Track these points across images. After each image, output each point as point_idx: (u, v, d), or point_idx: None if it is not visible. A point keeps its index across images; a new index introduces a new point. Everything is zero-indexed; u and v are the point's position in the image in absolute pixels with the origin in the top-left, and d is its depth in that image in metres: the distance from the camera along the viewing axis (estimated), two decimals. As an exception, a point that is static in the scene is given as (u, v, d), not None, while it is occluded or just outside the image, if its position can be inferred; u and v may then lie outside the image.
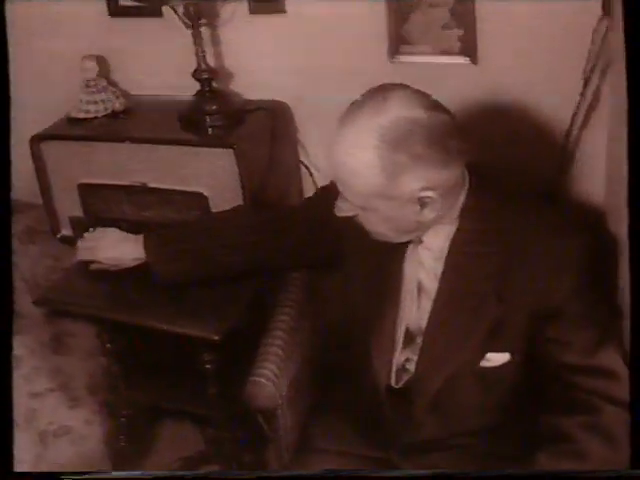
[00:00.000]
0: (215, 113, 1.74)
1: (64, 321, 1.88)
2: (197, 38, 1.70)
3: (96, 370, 1.90)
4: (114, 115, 1.85)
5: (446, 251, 1.30)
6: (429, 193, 1.20)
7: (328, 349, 1.68)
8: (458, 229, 1.29)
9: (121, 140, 1.75)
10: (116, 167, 1.77)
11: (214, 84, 1.77)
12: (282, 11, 1.73)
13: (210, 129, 1.74)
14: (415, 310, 1.37)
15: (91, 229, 1.70)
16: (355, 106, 1.21)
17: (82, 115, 1.83)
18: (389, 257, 1.36)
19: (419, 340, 1.37)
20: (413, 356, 1.38)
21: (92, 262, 1.65)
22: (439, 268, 1.31)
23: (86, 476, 1.30)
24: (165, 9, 1.78)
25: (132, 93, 1.94)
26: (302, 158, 1.89)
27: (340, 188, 1.25)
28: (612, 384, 1.25)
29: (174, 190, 1.74)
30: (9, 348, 1.26)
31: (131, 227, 1.67)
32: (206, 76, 1.74)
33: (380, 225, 1.27)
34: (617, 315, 1.34)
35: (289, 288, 1.76)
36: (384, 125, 1.16)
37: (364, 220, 1.28)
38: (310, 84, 1.78)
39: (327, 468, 1.46)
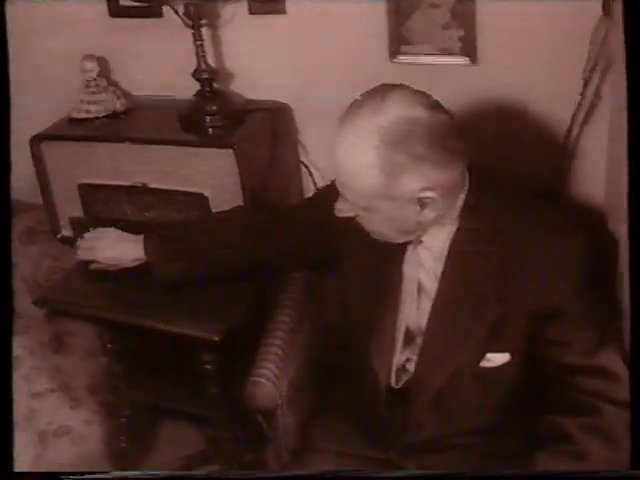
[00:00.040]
0: (215, 113, 1.74)
1: (64, 321, 1.88)
2: (197, 38, 1.70)
3: (96, 370, 1.90)
4: (114, 115, 1.85)
5: (446, 251, 1.30)
6: (429, 193, 1.20)
7: (328, 349, 1.68)
8: (458, 229, 1.29)
9: (121, 140, 1.75)
10: (116, 167, 1.77)
11: (214, 84, 1.77)
12: (282, 12, 1.73)
13: (210, 129, 1.74)
14: (415, 310, 1.37)
15: (91, 229, 1.70)
16: (354, 106, 1.20)
17: (83, 115, 1.83)
18: (389, 257, 1.36)
19: (419, 340, 1.37)
20: (413, 356, 1.38)
21: (92, 262, 1.66)
22: (439, 268, 1.31)
23: (86, 476, 1.30)
24: (166, 9, 1.78)
25: (133, 93, 1.94)
26: (302, 158, 1.89)
27: (340, 189, 1.25)
28: (612, 385, 1.25)
29: (174, 190, 1.74)
30: (9, 348, 1.26)
31: (131, 227, 1.67)
32: (206, 76, 1.74)
33: (380, 225, 1.27)
34: (617, 315, 1.34)
35: (289, 288, 1.76)
36: (383, 125, 1.16)
37: (364, 220, 1.27)
38: (311, 84, 1.78)
39: (327, 468, 1.46)
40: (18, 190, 1.74)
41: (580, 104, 1.55)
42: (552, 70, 1.55)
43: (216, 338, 1.53)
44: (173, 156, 1.71)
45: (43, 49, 1.92)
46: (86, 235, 1.68)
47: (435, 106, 1.20)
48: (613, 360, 1.26)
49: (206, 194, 1.72)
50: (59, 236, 1.90)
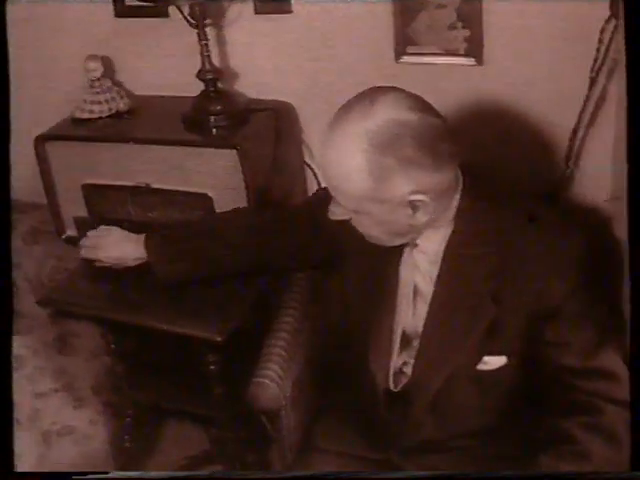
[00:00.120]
0: (219, 113, 1.73)
1: (69, 321, 1.89)
2: (202, 38, 1.69)
3: (100, 370, 1.90)
4: (118, 115, 1.85)
5: (441, 254, 1.29)
6: (420, 196, 1.19)
7: (329, 349, 1.68)
8: (453, 231, 1.28)
9: (125, 141, 1.74)
10: (120, 168, 1.76)
11: (219, 84, 1.76)
12: (288, 11, 1.73)
13: (214, 129, 1.73)
14: (411, 314, 1.36)
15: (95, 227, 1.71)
16: (343, 110, 1.20)
17: (86, 115, 1.83)
18: (385, 260, 1.35)
19: (416, 343, 1.37)
20: (410, 359, 1.38)
21: (96, 260, 1.66)
22: (434, 271, 1.31)
23: (90, 476, 1.30)
24: (171, 9, 1.78)
25: (136, 93, 1.94)
26: (306, 158, 1.89)
27: (332, 192, 1.25)
28: (613, 385, 1.24)
29: (178, 191, 1.74)
30: (9, 348, 1.26)
31: (135, 228, 1.66)
32: (211, 76, 1.73)
33: (373, 228, 1.26)
34: (616, 315, 1.34)
35: (293, 289, 1.76)
36: (372, 129, 1.15)
37: (357, 224, 1.27)
38: (315, 84, 1.78)
39: (328, 469, 1.46)
40: (22, 190, 1.74)
41: (586, 105, 1.55)
42: (558, 71, 1.55)
43: (219, 338, 1.52)
44: (177, 156, 1.71)
45: (50, 49, 1.92)
46: (89, 233, 1.68)
47: (425, 109, 1.19)
48: (613, 360, 1.26)
49: (210, 194, 1.72)
50: (64, 236, 1.90)
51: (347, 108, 1.19)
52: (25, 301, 1.79)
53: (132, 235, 1.62)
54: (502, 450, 1.37)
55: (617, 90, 1.51)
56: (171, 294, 1.60)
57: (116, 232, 1.66)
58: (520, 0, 1.51)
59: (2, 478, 1.24)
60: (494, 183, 1.35)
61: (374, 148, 1.15)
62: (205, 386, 1.71)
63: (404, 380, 1.40)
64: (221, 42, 1.81)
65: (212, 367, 1.68)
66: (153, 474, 1.59)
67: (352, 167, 1.17)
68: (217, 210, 1.73)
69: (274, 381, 1.56)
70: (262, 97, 1.83)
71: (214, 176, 1.70)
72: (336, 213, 1.27)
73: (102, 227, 1.69)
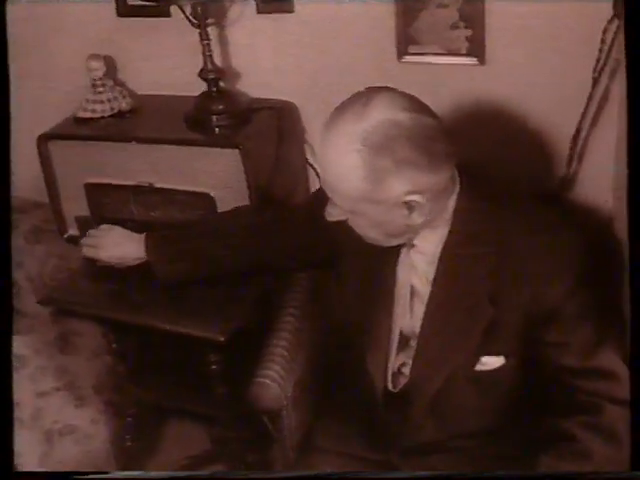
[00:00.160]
0: (221, 113, 1.73)
1: (70, 320, 1.89)
2: (204, 38, 1.69)
3: (102, 370, 1.90)
4: (120, 115, 1.85)
5: (439, 254, 1.29)
6: (415, 197, 1.18)
7: (329, 349, 1.68)
8: (450, 232, 1.28)
9: (127, 140, 1.74)
10: (122, 167, 1.76)
11: (221, 84, 1.76)
12: (290, 11, 1.73)
13: (216, 129, 1.73)
14: (408, 314, 1.36)
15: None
16: (338, 110, 1.20)
17: (88, 115, 1.83)
18: (383, 261, 1.35)
19: (413, 344, 1.36)
20: (408, 360, 1.38)
21: (97, 259, 1.66)
22: (432, 272, 1.30)
23: (90, 476, 1.30)
24: (173, 9, 1.78)
25: (139, 93, 1.94)
26: (309, 158, 1.89)
27: (328, 193, 1.25)
28: (613, 384, 1.24)
29: (180, 190, 1.74)
30: (9, 347, 1.26)
31: (137, 227, 1.67)
32: (213, 76, 1.73)
33: (369, 229, 1.26)
34: (616, 315, 1.33)
35: (295, 289, 1.76)
36: (366, 129, 1.15)
37: (354, 224, 1.27)
38: (318, 84, 1.77)
39: (329, 469, 1.46)
40: (24, 189, 1.74)
41: (589, 105, 1.54)
42: (561, 71, 1.54)
43: (221, 338, 1.52)
44: (179, 156, 1.71)
45: (50, 48, 1.92)
46: (91, 232, 1.69)
47: (421, 109, 1.18)
48: (612, 360, 1.26)
49: (212, 194, 1.72)
50: (66, 236, 1.90)
51: (342, 109, 1.19)
52: (27, 300, 1.79)
53: (133, 234, 1.62)
54: (502, 450, 1.37)
55: (620, 90, 1.51)
56: (173, 294, 1.60)
57: (117, 231, 1.66)
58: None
59: (2, 478, 1.24)
60: (492, 183, 1.34)
61: (369, 149, 1.15)
62: (207, 386, 1.71)
63: (402, 381, 1.41)
64: (223, 42, 1.81)
65: (214, 367, 1.68)
66: (154, 474, 1.59)
67: (347, 168, 1.17)
68: (219, 210, 1.73)
69: (275, 381, 1.56)
70: (264, 96, 1.82)
71: (216, 176, 1.70)
72: (333, 214, 1.27)
73: (103, 226, 1.69)
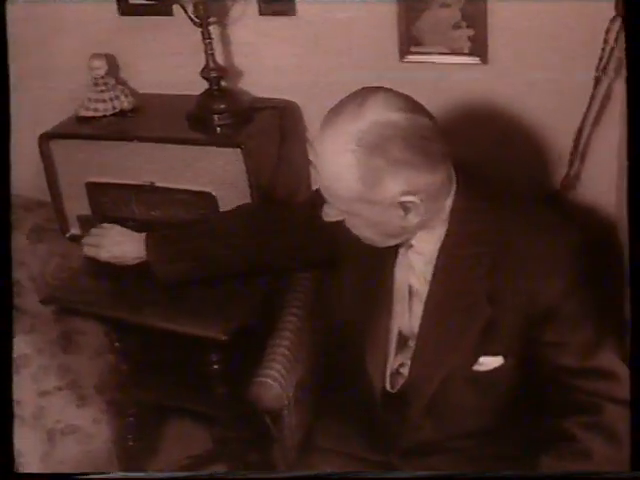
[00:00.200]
0: (223, 112, 1.73)
1: (73, 319, 1.89)
2: (206, 36, 1.69)
3: (104, 369, 1.90)
4: (122, 114, 1.85)
5: (436, 254, 1.29)
6: (411, 198, 1.18)
7: (329, 349, 1.68)
8: (448, 232, 1.27)
9: (129, 139, 1.74)
10: (124, 166, 1.76)
11: (223, 83, 1.76)
12: (292, 14, 1.72)
13: (218, 128, 1.73)
14: (407, 315, 1.36)
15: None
16: (334, 111, 1.20)
17: (90, 114, 1.83)
18: (381, 261, 1.35)
19: (412, 344, 1.36)
20: (407, 360, 1.38)
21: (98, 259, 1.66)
22: (430, 272, 1.30)
23: (91, 476, 1.30)
24: (175, 8, 1.78)
25: (140, 92, 1.94)
26: (311, 157, 1.89)
27: (324, 193, 1.24)
28: (612, 384, 1.24)
29: (182, 189, 1.73)
30: (9, 347, 1.26)
31: (139, 226, 1.67)
32: (215, 75, 1.73)
33: (365, 230, 1.26)
34: (616, 315, 1.33)
35: (297, 288, 1.75)
36: (361, 129, 1.14)
37: (350, 225, 1.27)
38: (319, 84, 1.77)
39: (329, 468, 1.46)
40: (26, 188, 1.74)
41: (591, 104, 1.54)
42: (563, 70, 1.54)
43: (223, 338, 1.52)
44: (181, 155, 1.71)
45: (51, 47, 1.92)
46: (92, 231, 1.69)
47: (416, 109, 1.18)
48: (612, 360, 1.25)
49: (214, 193, 1.72)
50: (68, 235, 1.90)
51: (337, 109, 1.19)
52: (29, 299, 1.79)
53: (134, 234, 1.62)
54: (501, 450, 1.37)
55: (622, 90, 1.51)
56: (175, 293, 1.60)
57: (117, 230, 1.66)
58: (525, -1, 1.51)
59: (3, 479, 1.24)
60: (490, 183, 1.34)
61: (363, 149, 1.14)
62: (208, 385, 1.71)
63: (401, 381, 1.40)
64: (225, 40, 1.81)
65: (215, 366, 1.68)
66: (155, 475, 1.59)
67: (342, 168, 1.17)
68: (221, 209, 1.72)
69: (277, 381, 1.56)
70: (266, 96, 1.82)
71: (218, 175, 1.70)
72: (330, 214, 1.27)
73: (104, 225, 1.69)
